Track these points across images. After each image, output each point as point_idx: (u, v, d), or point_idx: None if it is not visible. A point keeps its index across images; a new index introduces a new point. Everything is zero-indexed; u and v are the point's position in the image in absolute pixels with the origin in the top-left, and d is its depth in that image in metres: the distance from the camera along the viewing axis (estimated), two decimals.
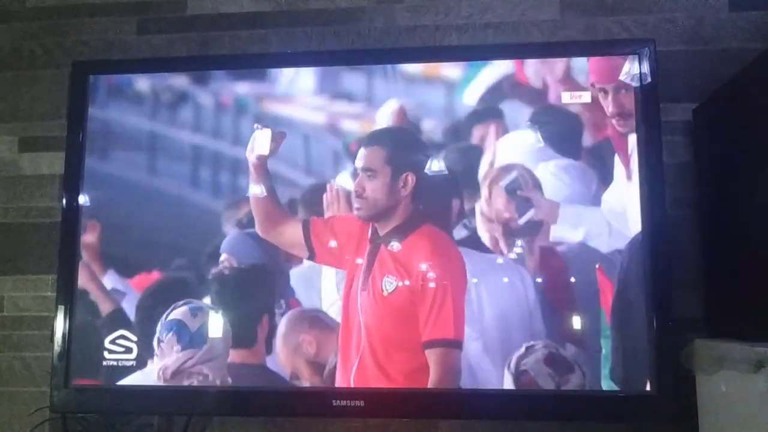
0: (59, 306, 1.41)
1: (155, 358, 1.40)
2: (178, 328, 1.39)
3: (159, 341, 1.40)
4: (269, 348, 1.39)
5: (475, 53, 1.48)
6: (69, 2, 1.73)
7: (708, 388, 1.20)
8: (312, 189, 1.44)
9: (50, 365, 1.41)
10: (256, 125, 1.44)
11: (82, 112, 1.47)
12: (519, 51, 1.45)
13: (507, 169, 1.37)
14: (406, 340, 1.35)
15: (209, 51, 1.67)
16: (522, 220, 1.35)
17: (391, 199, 1.38)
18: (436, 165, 1.38)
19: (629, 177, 1.33)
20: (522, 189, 1.36)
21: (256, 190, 1.42)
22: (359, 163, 1.39)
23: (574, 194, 1.36)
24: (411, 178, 1.38)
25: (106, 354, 1.39)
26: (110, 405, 1.41)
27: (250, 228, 1.42)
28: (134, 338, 1.40)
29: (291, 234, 1.42)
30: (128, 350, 1.39)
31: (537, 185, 1.36)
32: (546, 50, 1.44)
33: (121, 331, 1.40)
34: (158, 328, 1.40)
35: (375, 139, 1.42)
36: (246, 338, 1.40)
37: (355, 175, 1.40)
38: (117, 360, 1.39)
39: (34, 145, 1.70)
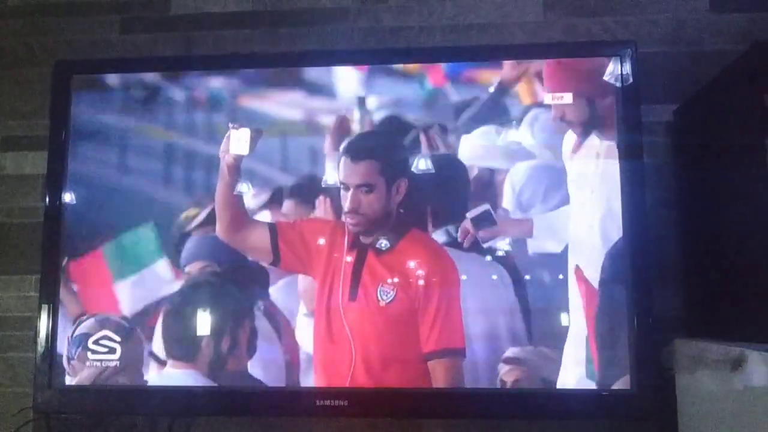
0: (42, 306, 1.40)
1: (67, 376, 1.38)
2: (84, 343, 1.39)
3: (69, 359, 1.39)
4: (251, 351, 1.37)
5: (459, 54, 1.49)
6: (51, 1, 1.72)
7: (687, 387, 1.22)
8: (287, 189, 1.42)
9: (33, 366, 1.40)
10: (231, 124, 1.41)
11: (65, 112, 1.46)
12: (502, 52, 1.45)
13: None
14: (404, 351, 1.32)
15: (193, 51, 1.66)
16: (487, 244, 1.34)
17: (386, 209, 1.36)
18: (423, 164, 1.37)
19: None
20: (487, 226, 1.34)
21: (225, 191, 1.39)
22: (352, 179, 1.36)
23: (545, 196, 1.36)
24: (404, 185, 1.36)
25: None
26: (94, 405, 1.41)
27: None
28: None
29: (257, 238, 1.38)
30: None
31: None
32: (528, 52, 1.45)
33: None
34: (66, 345, 1.39)
35: (364, 150, 1.38)
36: (228, 345, 1.38)
37: (342, 189, 1.36)
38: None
39: (17, 144, 1.68)
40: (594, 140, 1.35)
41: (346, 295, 1.34)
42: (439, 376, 1.31)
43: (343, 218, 1.37)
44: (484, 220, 1.34)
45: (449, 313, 1.32)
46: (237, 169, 1.39)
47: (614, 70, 1.35)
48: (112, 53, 1.68)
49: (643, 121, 1.35)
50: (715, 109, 1.34)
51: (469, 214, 1.35)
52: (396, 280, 1.34)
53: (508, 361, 1.31)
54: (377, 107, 1.43)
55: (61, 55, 1.67)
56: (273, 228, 1.39)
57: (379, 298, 1.33)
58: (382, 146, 1.41)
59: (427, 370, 1.32)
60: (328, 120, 1.43)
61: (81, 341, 1.39)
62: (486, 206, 1.35)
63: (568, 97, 1.35)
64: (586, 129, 1.35)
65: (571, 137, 1.36)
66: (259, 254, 1.39)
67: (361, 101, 1.43)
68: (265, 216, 1.41)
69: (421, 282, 1.33)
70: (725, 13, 1.55)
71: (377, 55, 1.53)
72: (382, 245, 1.35)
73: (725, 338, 1.15)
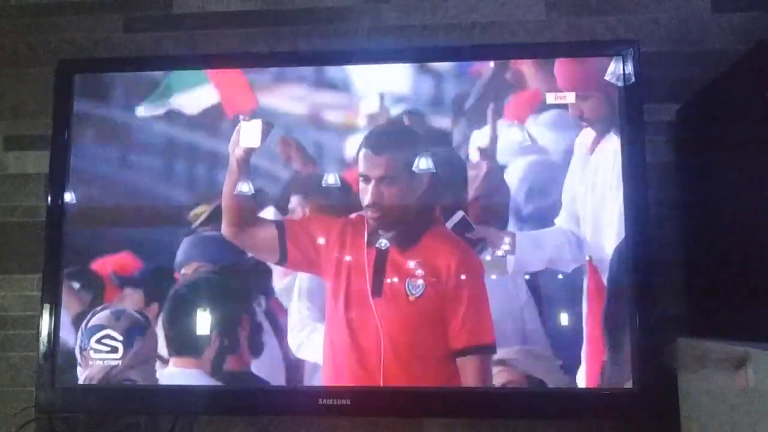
0: (44, 305, 1.40)
1: (78, 367, 1.38)
2: (102, 333, 1.38)
3: (81, 350, 1.38)
4: (255, 350, 1.37)
5: (462, 53, 1.48)
6: (54, 0, 1.72)
7: (690, 386, 1.21)
8: (291, 183, 1.41)
9: (35, 365, 1.40)
10: (241, 117, 1.39)
11: (68, 111, 1.47)
12: (504, 51, 1.45)
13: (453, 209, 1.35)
14: (433, 348, 1.31)
15: (196, 49, 1.66)
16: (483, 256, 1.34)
17: (408, 202, 1.34)
18: (423, 163, 1.36)
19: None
20: (466, 231, 1.34)
21: (233, 187, 1.38)
22: (374, 171, 1.34)
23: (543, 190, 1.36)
24: (426, 178, 1.35)
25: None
26: (96, 405, 1.41)
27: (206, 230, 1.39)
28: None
29: (263, 237, 1.36)
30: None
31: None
32: (531, 51, 1.45)
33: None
34: (79, 335, 1.39)
35: (385, 143, 1.36)
36: (228, 344, 1.37)
37: (362, 182, 1.35)
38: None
39: (19, 143, 1.68)
40: (612, 138, 1.35)
41: (370, 291, 1.33)
42: (469, 374, 1.30)
43: (349, 213, 1.36)
44: (463, 227, 1.34)
45: (479, 308, 1.30)
46: (247, 163, 1.38)
47: (616, 70, 1.35)
48: (115, 52, 1.68)
49: (645, 121, 1.35)
50: (718, 108, 1.34)
51: (449, 224, 1.34)
52: (423, 274, 1.32)
53: (497, 363, 1.30)
54: (392, 102, 1.42)
55: (64, 54, 1.67)
56: (280, 226, 1.37)
57: (408, 292, 1.32)
58: (404, 139, 1.39)
59: (455, 367, 1.31)
60: (335, 115, 1.42)
61: (95, 332, 1.39)
62: (461, 213, 1.35)
63: (570, 97, 1.36)
64: (605, 126, 1.35)
65: (588, 135, 1.36)
66: (266, 253, 1.37)
67: (375, 97, 1.42)
68: (270, 213, 1.40)
69: (449, 277, 1.31)
70: (727, 13, 1.55)
71: (380, 54, 1.53)
72: (404, 240, 1.34)
73: (728, 337, 1.15)
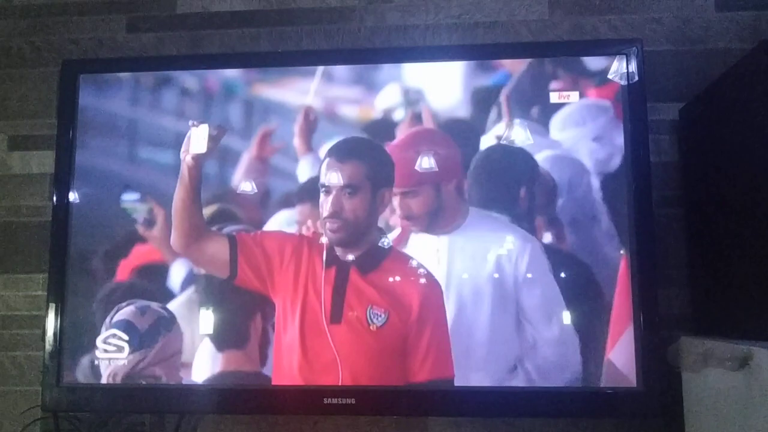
0: (50, 305, 1.41)
1: (101, 362, 1.38)
2: (126, 328, 1.37)
3: (105, 344, 1.38)
4: (264, 357, 1.34)
5: (465, 53, 1.48)
6: (58, 0, 1.72)
7: (694, 385, 1.22)
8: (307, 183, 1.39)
9: (41, 364, 1.41)
10: (191, 122, 1.36)
11: (72, 111, 1.47)
12: (508, 51, 1.46)
13: None
14: (393, 379, 1.28)
15: (200, 49, 1.67)
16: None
17: (368, 218, 1.31)
18: (426, 162, 1.35)
19: None
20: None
21: (184, 196, 1.33)
22: (336, 180, 1.30)
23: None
24: (388, 195, 1.31)
25: (97, 353, 1.39)
26: (102, 403, 1.41)
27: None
28: (126, 337, 1.39)
29: (215, 251, 1.31)
30: (120, 349, 1.39)
31: None
32: (534, 50, 1.45)
33: (112, 330, 1.40)
34: (103, 330, 1.38)
35: (350, 152, 1.33)
36: (236, 337, 1.35)
37: (323, 193, 1.31)
38: (109, 359, 1.39)
39: (24, 143, 1.69)
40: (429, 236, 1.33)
41: (327, 316, 1.28)
42: None
43: (307, 227, 1.33)
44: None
45: (441, 341, 1.27)
46: (198, 171, 1.33)
47: (620, 69, 1.35)
48: (118, 52, 1.69)
49: (648, 120, 1.35)
50: (721, 107, 1.34)
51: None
52: (388, 302, 1.28)
53: None
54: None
55: (68, 55, 1.67)
56: (233, 240, 1.33)
57: (370, 321, 1.28)
58: (370, 151, 1.36)
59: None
60: (350, 110, 1.41)
61: (121, 327, 1.38)
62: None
63: (574, 96, 1.36)
64: (427, 223, 1.33)
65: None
66: (215, 268, 1.33)
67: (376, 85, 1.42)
68: (283, 216, 1.38)
69: (412, 309, 1.28)
70: (730, 12, 1.55)
71: (383, 54, 1.53)
72: (365, 263, 1.30)
73: (732, 336, 1.15)
